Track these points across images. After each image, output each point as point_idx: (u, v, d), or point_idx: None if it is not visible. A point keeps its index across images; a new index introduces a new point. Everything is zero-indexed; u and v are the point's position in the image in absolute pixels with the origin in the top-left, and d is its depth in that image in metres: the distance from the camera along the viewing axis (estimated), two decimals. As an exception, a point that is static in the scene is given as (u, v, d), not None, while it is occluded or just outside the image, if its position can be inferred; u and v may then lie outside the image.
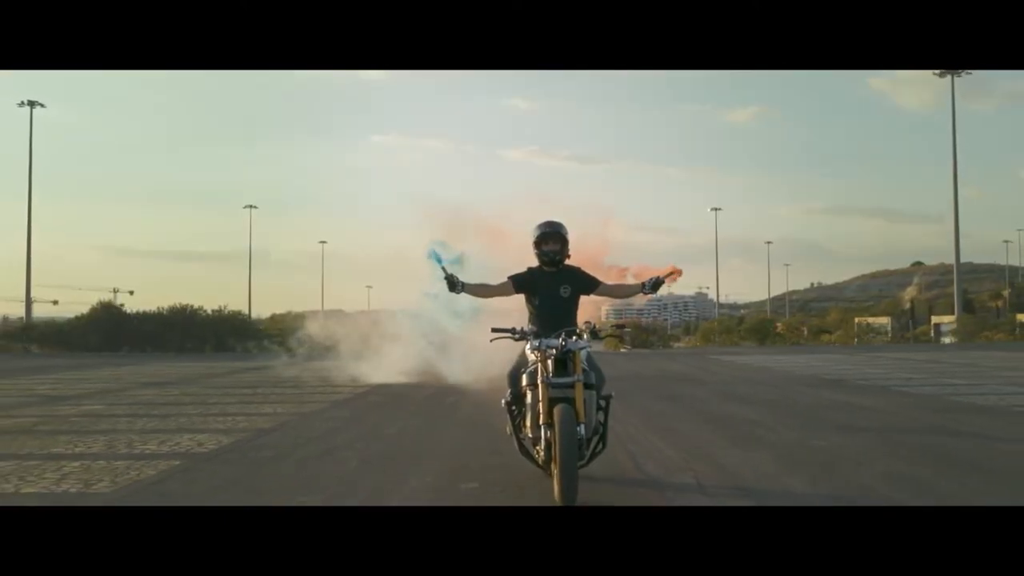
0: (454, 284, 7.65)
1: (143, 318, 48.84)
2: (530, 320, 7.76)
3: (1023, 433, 11.23)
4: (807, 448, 9.99)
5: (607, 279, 8.20)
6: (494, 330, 7.48)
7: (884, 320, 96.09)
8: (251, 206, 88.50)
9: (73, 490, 7.82)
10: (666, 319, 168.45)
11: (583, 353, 7.24)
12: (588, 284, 7.83)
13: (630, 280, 8.31)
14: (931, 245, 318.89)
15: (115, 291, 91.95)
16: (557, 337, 7.16)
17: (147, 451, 10.18)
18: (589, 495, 6.98)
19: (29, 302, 59.18)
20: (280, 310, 63.90)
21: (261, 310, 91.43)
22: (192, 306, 49.51)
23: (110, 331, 47.52)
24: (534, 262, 7.86)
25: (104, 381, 22.47)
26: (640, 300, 11.07)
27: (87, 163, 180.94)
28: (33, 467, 9.05)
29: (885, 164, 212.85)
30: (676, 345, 61.70)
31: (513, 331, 7.42)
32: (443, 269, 7.69)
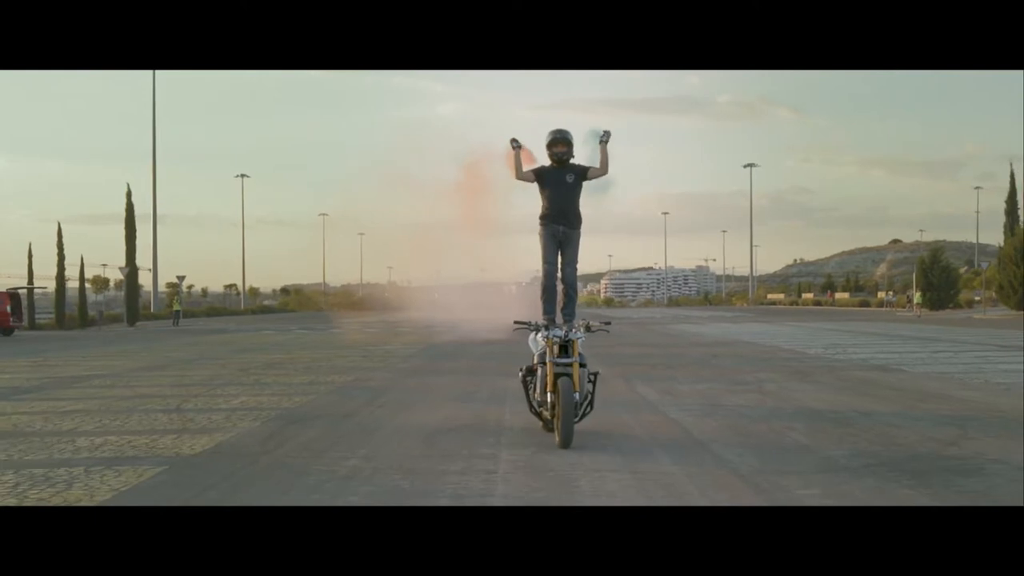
0: (519, 144, 9.65)
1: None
2: (543, 205, 9.67)
3: (728, 352, 20.16)
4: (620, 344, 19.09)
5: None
6: (516, 323, 9.72)
7: (844, 295, 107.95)
8: (243, 175, 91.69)
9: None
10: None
11: (579, 342, 8.98)
12: (583, 171, 9.59)
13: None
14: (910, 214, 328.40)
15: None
16: (562, 329, 9.00)
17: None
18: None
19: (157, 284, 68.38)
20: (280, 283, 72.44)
21: (263, 282, 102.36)
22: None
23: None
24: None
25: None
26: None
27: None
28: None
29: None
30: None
31: (529, 324, 9.49)
32: (514, 140, 9.73)
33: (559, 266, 9.67)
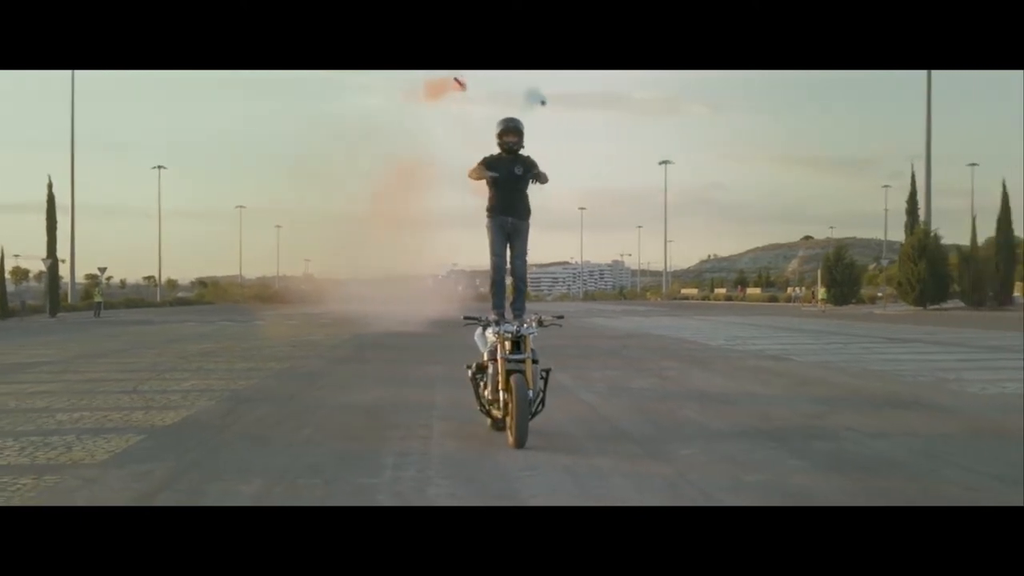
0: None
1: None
2: (490, 197, 9.41)
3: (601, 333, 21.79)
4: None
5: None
6: (466, 318, 9.41)
7: (755, 291, 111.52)
8: (160, 167, 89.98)
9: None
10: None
11: (531, 337, 8.74)
12: (533, 165, 9.33)
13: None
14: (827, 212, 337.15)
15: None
16: (513, 324, 8.78)
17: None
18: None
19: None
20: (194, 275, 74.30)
21: (181, 274, 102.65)
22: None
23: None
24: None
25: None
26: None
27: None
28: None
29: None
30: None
31: (479, 319, 9.19)
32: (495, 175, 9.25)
33: (508, 259, 9.55)
